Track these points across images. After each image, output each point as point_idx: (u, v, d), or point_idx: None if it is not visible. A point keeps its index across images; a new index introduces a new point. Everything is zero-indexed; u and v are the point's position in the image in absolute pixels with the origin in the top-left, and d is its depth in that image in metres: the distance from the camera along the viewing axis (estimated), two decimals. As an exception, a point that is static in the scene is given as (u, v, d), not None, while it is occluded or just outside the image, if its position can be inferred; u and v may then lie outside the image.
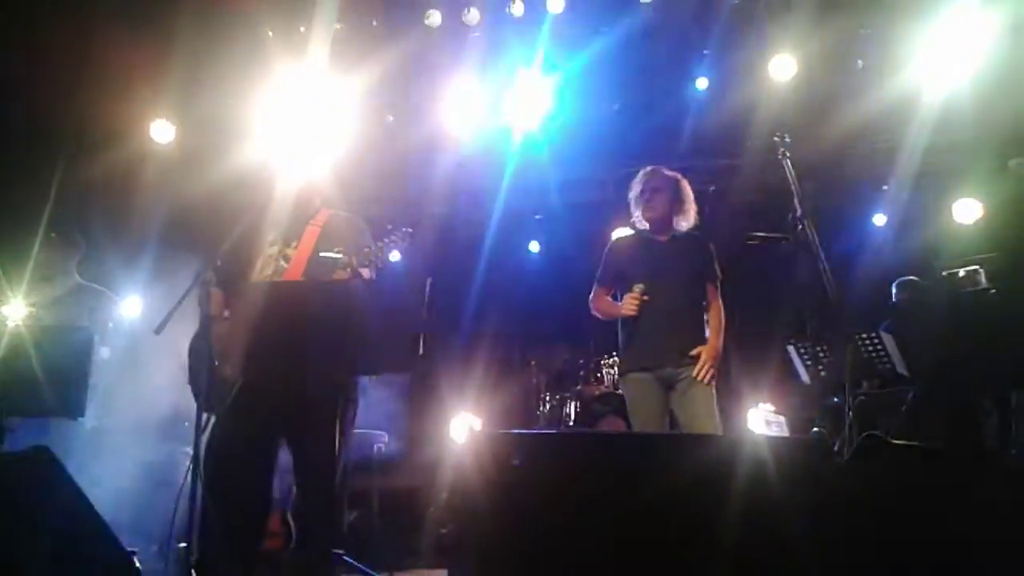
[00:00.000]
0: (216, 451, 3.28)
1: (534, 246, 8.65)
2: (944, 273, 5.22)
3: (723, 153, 7.17)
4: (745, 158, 6.73)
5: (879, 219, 7.33)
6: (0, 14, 5.97)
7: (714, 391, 4.05)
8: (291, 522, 4.87)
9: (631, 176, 4.49)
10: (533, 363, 7.42)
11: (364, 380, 3.65)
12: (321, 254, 3.52)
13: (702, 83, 6.73)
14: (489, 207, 8.24)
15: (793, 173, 4.05)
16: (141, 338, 5.14)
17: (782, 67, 6.15)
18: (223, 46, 6.45)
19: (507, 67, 6.57)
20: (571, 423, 6.70)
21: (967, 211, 6.41)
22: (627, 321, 4.19)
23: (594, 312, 4.41)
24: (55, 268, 4.93)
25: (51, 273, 4.89)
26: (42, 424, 4.03)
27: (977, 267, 5.03)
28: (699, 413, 3.98)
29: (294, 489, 4.56)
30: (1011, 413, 4.28)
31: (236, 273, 3.44)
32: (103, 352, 4.87)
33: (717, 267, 4.31)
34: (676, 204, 4.31)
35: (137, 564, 3.24)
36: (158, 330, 3.17)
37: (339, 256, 3.46)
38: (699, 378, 4.00)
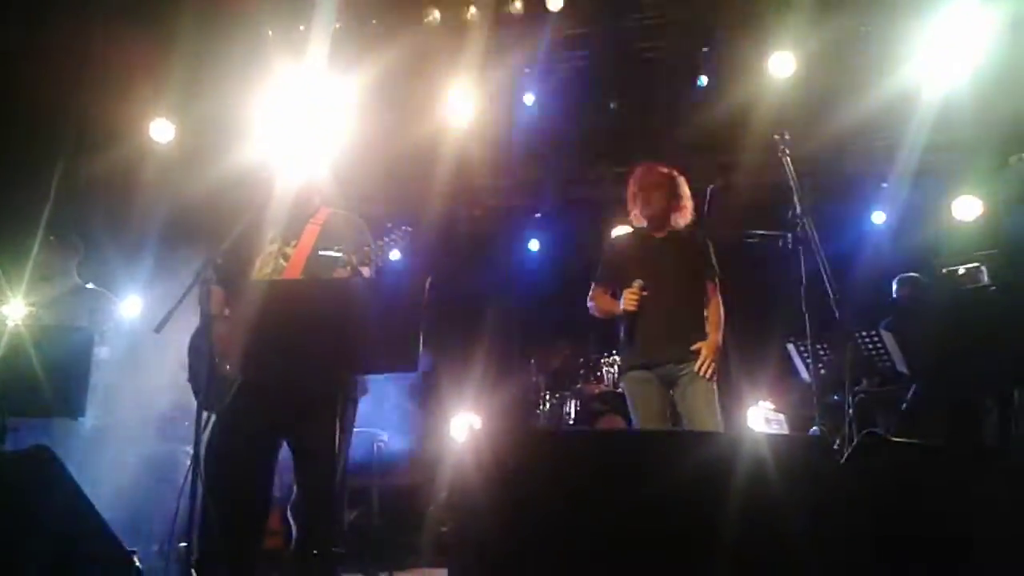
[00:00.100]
0: (216, 450, 3.28)
1: (534, 244, 8.65)
2: (944, 270, 5.21)
3: (722, 150, 7.17)
4: (745, 155, 6.73)
5: (878, 216, 7.33)
6: (0, 13, 5.97)
7: (715, 386, 4.05)
8: (291, 521, 4.87)
9: (629, 173, 4.50)
10: (533, 362, 7.43)
11: (364, 379, 3.65)
12: (320, 253, 3.51)
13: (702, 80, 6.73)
14: (489, 205, 8.26)
15: (793, 170, 4.05)
16: (141, 337, 5.14)
17: (782, 64, 6.15)
18: (223, 45, 6.46)
19: (506, 65, 6.57)
20: (571, 422, 6.70)
21: (967, 208, 6.41)
22: (626, 319, 4.19)
23: (592, 311, 4.40)
24: (54, 269, 4.93)
25: (50, 274, 4.89)
26: (43, 424, 4.03)
27: (978, 264, 5.03)
28: (700, 407, 3.98)
29: (294, 488, 4.57)
30: (1011, 411, 4.28)
31: (236, 271, 3.44)
32: (102, 352, 4.87)
33: (715, 263, 4.31)
34: (673, 201, 4.32)
35: (137, 563, 3.24)
36: (158, 329, 3.17)
37: (339, 255, 3.46)
38: (700, 373, 4.01)
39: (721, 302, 4.25)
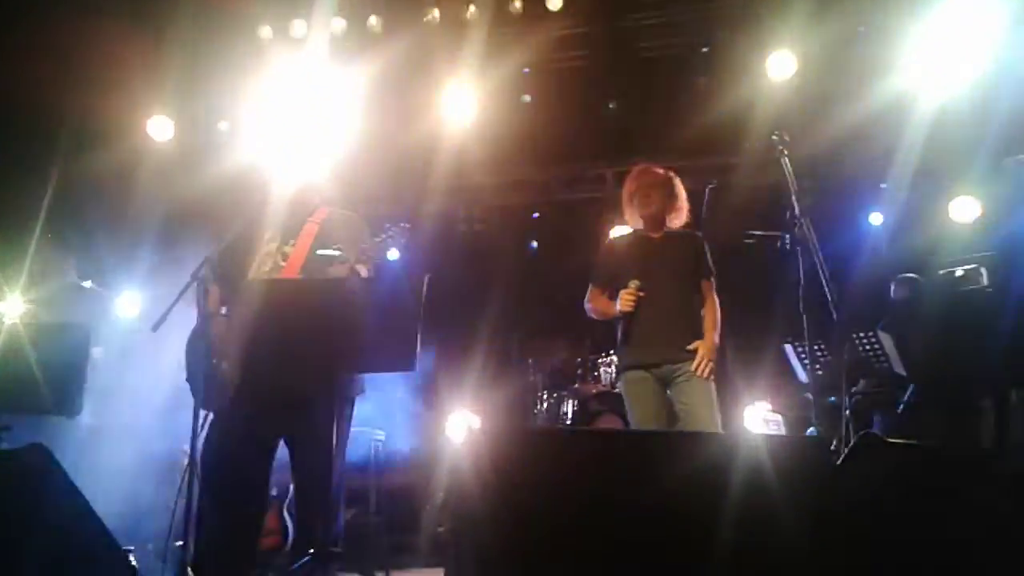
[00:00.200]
0: (213, 448, 3.28)
1: (532, 243, 8.65)
2: (941, 272, 5.21)
3: (721, 150, 7.17)
4: (743, 156, 6.73)
5: (876, 217, 7.33)
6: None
7: (713, 386, 4.05)
8: (288, 520, 4.87)
9: (627, 173, 4.51)
10: (531, 362, 7.43)
11: (361, 378, 3.65)
12: (319, 251, 3.51)
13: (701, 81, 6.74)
14: (487, 204, 8.26)
15: (791, 171, 4.05)
16: (138, 335, 5.14)
17: (781, 64, 6.15)
18: (221, 42, 6.46)
19: (506, 64, 6.57)
20: (568, 421, 6.70)
21: (965, 210, 6.42)
22: (623, 319, 4.19)
23: (589, 313, 4.40)
24: (50, 268, 4.93)
25: (47, 273, 4.89)
26: (38, 422, 4.02)
27: (978, 265, 5.03)
28: (698, 406, 3.98)
29: (291, 487, 4.56)
30: (1008, 412, 4.28)
31: (234, 270, 3.44)
32: (95, 352, 4.86)
33: (711, 263, 4.32)
34: (671, 201, 4.33)
35: (133, 562, 3.24)
36: (155, 327, 3.17)
37: (337, 253, 3.46)
38: (697, 372, 4.01)
39: (717, 302, 4.25)
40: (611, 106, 7.00)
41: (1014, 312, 3.97)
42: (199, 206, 6.11)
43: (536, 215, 8.62)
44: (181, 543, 3.06)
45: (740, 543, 2.21)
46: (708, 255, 4.33)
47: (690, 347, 4.07)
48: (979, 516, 2.34)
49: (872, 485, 2.41)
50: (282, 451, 3.53)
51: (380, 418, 5.80)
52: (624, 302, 4.09)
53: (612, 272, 4.32)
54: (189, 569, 3.01)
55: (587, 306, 4.40)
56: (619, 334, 4.29)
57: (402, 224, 3.44)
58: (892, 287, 5.93)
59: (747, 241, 4.66)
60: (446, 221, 8.18)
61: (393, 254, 3.65)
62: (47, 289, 4.88)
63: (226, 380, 3.27)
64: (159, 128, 6.73)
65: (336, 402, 3.26)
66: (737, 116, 6.45)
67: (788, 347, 4.96)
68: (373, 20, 6.43)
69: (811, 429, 4.10)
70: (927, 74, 5.87)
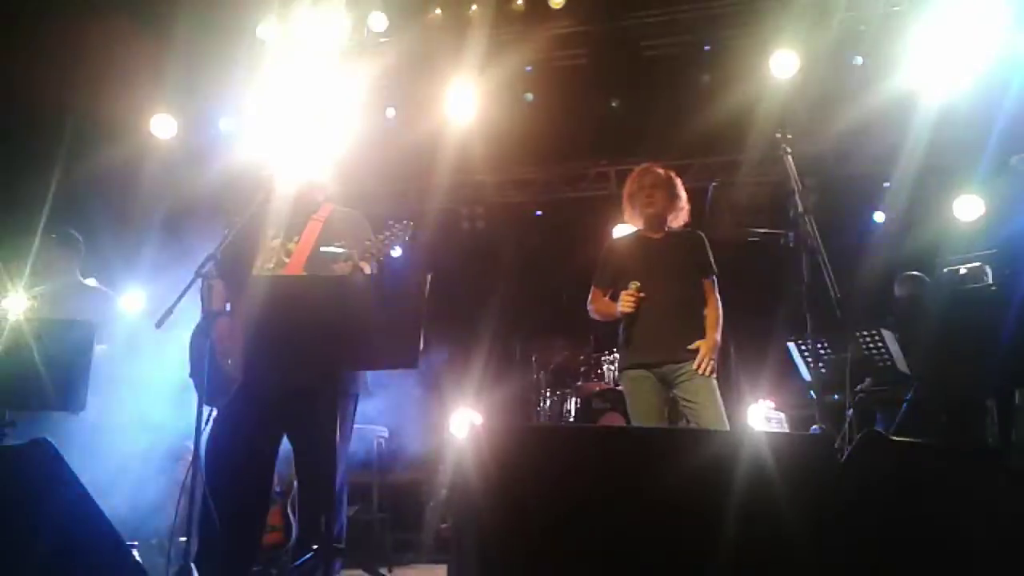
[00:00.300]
0: (217, 445, 3.28)
1: (536, 241, 8.65)
2: (945, 270, 5.21)
3: (724, 148, 7.17)
4: (746, 154, 6.73)
5: (880, 215, 7.32)
6: (1, 8, 5.96)
7: (715, 382, 4.06)
8: (291, 516, 4.88)
9: (630, 171, 4.52)
10: (534, 359, 7.43)
11: (365, 375, 3.66)
12: (322, 249, 3.52)
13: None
14: (490, 202, 8.26)
15: (794, 169, 4.05)
16: (142, 332, 5.14)
17: (784, 63, 6.14)
18: (224, 41, 6.46)
19: (508, 62, 6.57)
20: (571, 419, 6.70)
21: (968, 208, 6.41)
22: (625, 319, 4.20)
23: (592, 314, 4.42)
24: (54, 267, 4.93)
25: (50, 272, 4.89)
26: (42, 418, 4.02)
27: (981, 263, 5.02)
28: (704, 402, 3.98)
29: (294, 483, 4.57)
30: (1012, 410, 4.28)
31: (237, 267, 3.44)
32: (98, 349, 4.87)
33: (712, 261, 4.32)
34: (671, 201, 4.34)
35: (137, 558, 3.24)
36: (159, 324, 3.18)
37: (340, 251, 3.46)
38: (699, 371, 4.02)
39: (719, 301, 4.26)
40: (614, 104, 7.00)
41: (1018, 310, 3.97)
42: (202, 203, 6.12)
43: (539, 213, 8.62)
44: (184, 539, 3.06)
45: (743, 540, 2.21)
46: (710, 254, 4.33)
47: (691, 346, 4.08)
48: (983, 514, 2.34)
49: (875, 483, 2.41)
50: (285, 447, 3.53)
51: (385, 415, 5.81)
52: (625, 304, 4.11)
53: (613, 273, 4.33)
54: (192, 565, 3.02)
55: (590, 308, 4.42)
56: (621, 333, 4.31)
57: (405, 222, 3.45)
58: (896, 285, 5.93)
59: (751, 239, 4.65)
60: (449, 219, 8.19)
61: (396, 252, 3.65)
62: (50, 286, 4.88)
63: (230, 377, 3.27)
64: (162, 126, 6.73)
65: (339, 399, 3.27)
66: (740, 115, 6.45)
67: (792, 345, 4.95)
68: (376, 18, 6.42)
69: (815, 427, 4.09)
70: (931, 72, 5.86)
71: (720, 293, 4.29)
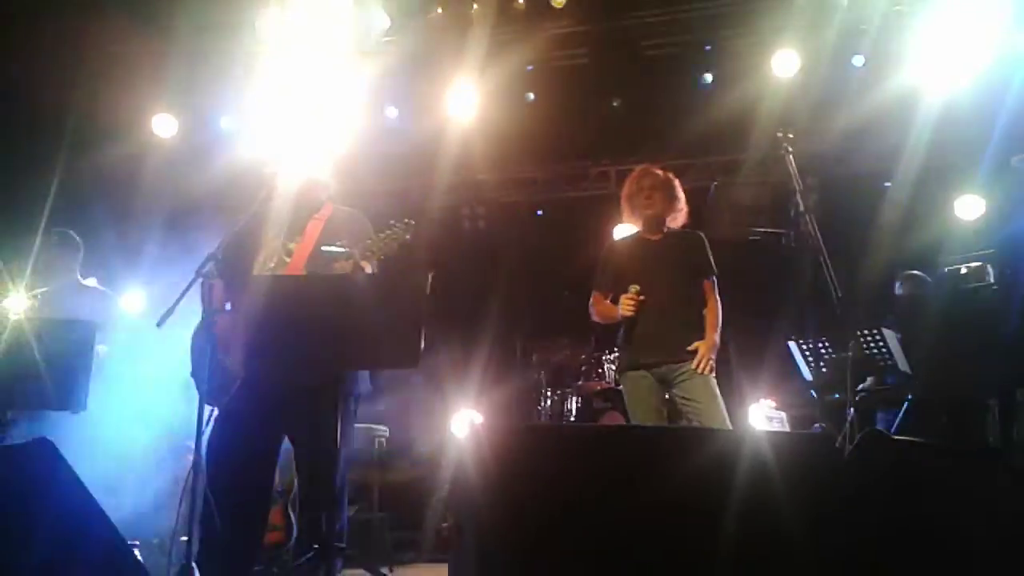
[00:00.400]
0: (218, 444, 3.29)
1: (537, 240, 8.64)
2: (946, 269, 5.20)
3: (725, 148, 7.17)
4: (747, 153, 6.73)
5: (882, 215, 7.31)
6: (1, 8, 5.96)
7: (714, 380, 4.07)
8: (292, 516, 4.88)
9: (630, 171, 4.53)
10: (534, 358, 7.43)
11: (366, 374, 3.66)
12: (324, 248, 3.52)
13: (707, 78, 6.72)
14: (491, 201, 8.26)
15: (795, 169, 4.05)
16: (143, 332, 5.14)
17: (785, 62, 6.14)
18: (225, 40, 6.45)
19: (509, 62, 6.57)
20: (572, 418, 6.70)
21: (969, 207, 6.41)
22: (625, 320, 4.21)
23: (594, 317, 4.44)
24: (55, 268, 4.93)
25: (51, 273, 4.89)
26: (44, 417, 4.02)
27: (983, 262, 5.01)
28: (704, 400, 4.00)
29: (295, 483, 4.57)
30: (1013, 409, 4.27)
31: (238, 266, 3.45)
32: (100, 349, 4.87)
33: (712, 261, 4.33)
34: (670, 203, 4.35)
35: (138, 557, 3.24)
36: (160, 323, 3.18)
37: (342, 250, 3.46)
38: (697, 369, 4.03)
39: (719, 301, 4.27)
40: (615, 104, 6.99)
41: (1019, 309, 3.97)
42: (204, 203, 6.12)
43: (540, 212, 8.62)
44: (186, 538, 3.07)
45: (743, 539, 2.21)
46: (710, 254, 4.34)
47: (690, 347, 4.09)
48: (983, 513, 2.34)
49: (876, 482, 2.41)
50: (286, 447, 3.53)
51: (386, 415, 5.81)
52: (625, 307, 4.13)
53: (613, 276, 4.35)
54: (194, 564, 3.02)
55: (591, 311, 4.44)
56: (620, 334, 4.33)
57: (406, 221, 3.45)
58: (897, 284, 5.93)
59: (751, 239, 4.66)
60: (450, 218, 8.19)
61: (397, 251, 3.65)
62: (51, 287, 4.88)
63: (231, 376, 3.27)
64: (163, 125, 6.73)
65: (340, 398, 3.27)
66: (741, 114, 6.45)
67: (793, 344, 4.94)
68: (377, 17, 6.42)
69: (817, 426, 4.09)
70: (932, 72, 5.85)
71: (721, 293, 4.30)
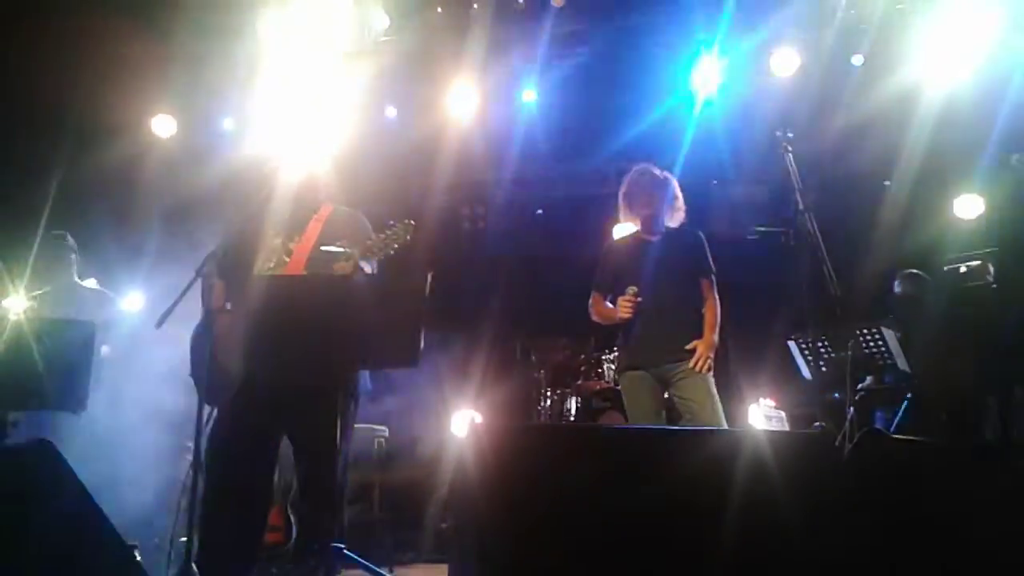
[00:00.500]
0: (218, 444, 3.29)
1: (537, 240, 8.64)
2: (945, 268, 5.21)
3: (725, 146, 7.16)
4: (746, 152, 6.72)
5: (881, 214, 7.31)
6: (2, 8, 5.96)
7: (711, 379, 4.08)
8: (292, 516, 4.88)
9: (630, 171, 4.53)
10: (534, 358, 7.43)
11: (365, 374, 3.66)
12: (323, 248, 3.52)
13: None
14: (491, 200, 8.25)
15: (795, 168, 4.05)
16: (143, 332, 5.14)
17: (784, 62, 6.14)
18: (225, 40, 6.45)
19: (509, 60, 6.56)
20: (571, 418, 6.70)
21: (968, 206, 6.41)
22: (623, 321, 4.22)
23: (594, 318, 4.46)
24: (51, 270, 4.94)
25: (49, 275, 4.90)
26: (44, 418, 4.03)
27: (982, 261, 5.02)
28: (700, 399, 4.02)
29: (295, 482, 4.57)
30: (1012, 407, 4.28)
31: (238, 266, 3.45)
32: (102, 351, 4.87)
33: (711, 260, 4.33)
34: (668, 202, 4.36)
35: (138, 557, 3.25)
36: (159, 323, 3.18)
37: (341, 250, 3.46)
38: (695, 368, 4.04)
39: (718, 300, 4.27)
40: (615, 103, 6.99)
41: (1018, 309, 3.97)
42: (203, 203, 6.11)
43: (540, 212, 8.61)
44: (185, 539, 3.07)
45: (743, 538, 2.21)
46: (708, 253, 4.34)
47: (688, 347, 4.10)
48: (983, 512, 2.34)
49: (876, 480, 2.41)
50: (286, 446, 3.53)
51: (386, 415, 5.81)
52: (623, 309, 4.15)
53: (612, 277, 4.36)
54: (193, 565, 3.02)
55: (591, 312, 4.47)
56: (619, 334, 4.34)
57: (406, 221, 3.45)
58: (896, 283, 5.93)
59: (750, 238, 4.66)
60: (449, 218, 8.18)
61: (397, 251, 3.65)
62: (50, 288, 4.88)
63: (230, 376, 3.27)
64: (163, 126, 6.73)
65: (340, 398, 3.27)
66: (741, 113, 6.45)
67: (792, 343, 4.95)
68: (377, 17, 6.42)
69: (817, 424, 4.10)
70: (932, 71, 5.86)
71: (720, 292, 4.30)
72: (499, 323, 7.73)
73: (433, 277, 2.99)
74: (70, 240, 5.12)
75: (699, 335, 4.14)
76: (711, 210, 7.13)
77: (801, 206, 4.00)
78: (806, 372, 4.94)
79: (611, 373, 6.69)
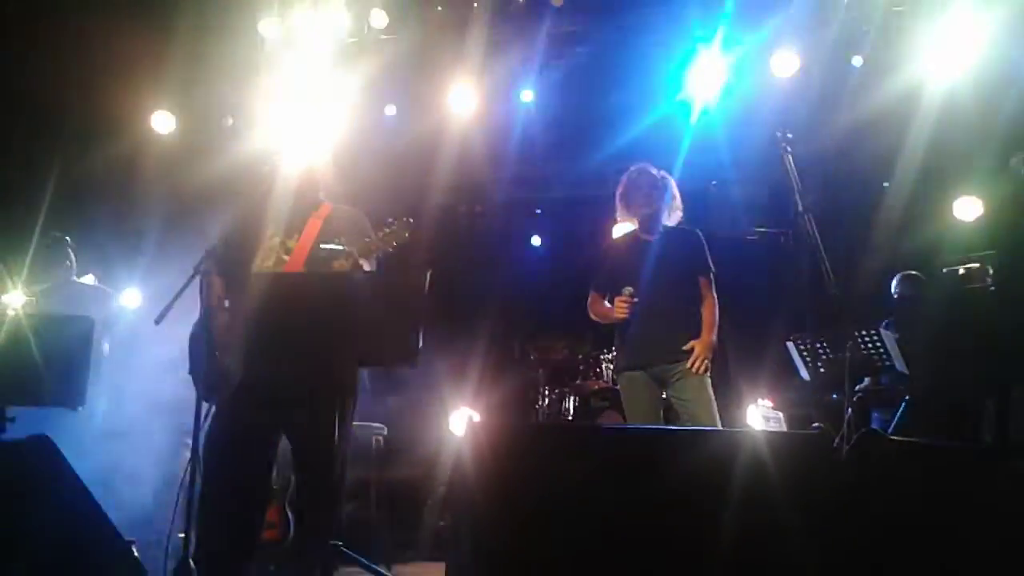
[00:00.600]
0: (215, 441, 3.28)
1: (535, 240, 8.65)
2: (944, 270, 5.21)
3: (724, 147, 7.16)
4: (746, 152, 6.73)
5: (880, 215, 7.32)
6: (1, 5, 5.96)
7: (708, 380, 4.08)
8: (289, 513, 4.87)
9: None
10: (532, 357, 7.43)
11: (363, 372, 3.65)
12: (322, 246, 3.52)
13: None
14: (490, 199, 8.26)
15: (794, 168, 4.05)
16: (141, 328, 5.15)
17: (784, 62, 6.14)
18: (225, 38, 6.45)
19: (509, 59, 6.57)
20: (570, 417, 6.70)
21: (967, 208, 6.41)
22: (621, 321, 4.22)
23: (592, 317, 4.47)
24: (49, 271, 4.94)
25: (47, 276, 4.91)
26: (42, 414, 4.02)
27: (981, 263, 5.02)
28: (694, 401, 4.02)
29: (293, 480, 4.57)
30: (1010, 410, 4.28)
31: (237, 263, 3.44)
32: (104, 347, 4.88)
33: (709, 259, 4.33)
34: (666, 202, 4.36)
35: (135, 553, 3.24)
36: (158, 320, 3.18)
37: (340, 248, 3.46)
38: (692, 369, 4.04)
39: (716, 299, 4.27)
40: (614, 102, 6.99)
41: (1017, 311, 3.97)
42: (202, 200, 6.10)
43: (539, 211, 8.62)
44: (183, 535, 3.07)
45: (740, 538, 2.21)
46: (707, 252, 4.34)
47: (686, 347, 4.10)
48: (980, 513, 2.35)
49: (873, 481, 2.41)
50: (284, 444, 3.53)
51: (384, 413, 5.80)
52: (619, 309, 4.15)
53: (609, 277, 4.37)
54: (191, 561, 3.02)
55: (590, 311, 4.47)
56: (617, 334, 4.35)
57: (405, 219, 3.45)
58: (894, 284, 5.93)
59: (750, 238, 4.66)
60: (449, 216, 8.18)
61: (396, 249, 3.65)
62: (49, 285, 4.88)
63: (228, 373, 3.27)
64: (163, 123, 6.73)
65: (338, 396, 3.27)
66: (741, 113, 6.45)
67: (791, 344, 4.95)
68: (376, 15, 6.42)
69: (815, 425, 4.10)
70: (931, 73, 5.86)
71: (719, 292, 4.30)
72: (498, 322, 7.73)
73: (432, 275, 2.99)
74: (67, 242, 5.13)
75: (697, 335, 4.14)
76: (710, 211, 7.15)
77: (800, 207, 4.00)
78: (804, 373, 4.94)
79: (609, 373, 6.69)
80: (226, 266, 3.40)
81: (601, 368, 6.82)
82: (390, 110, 7.06)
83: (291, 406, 3.33)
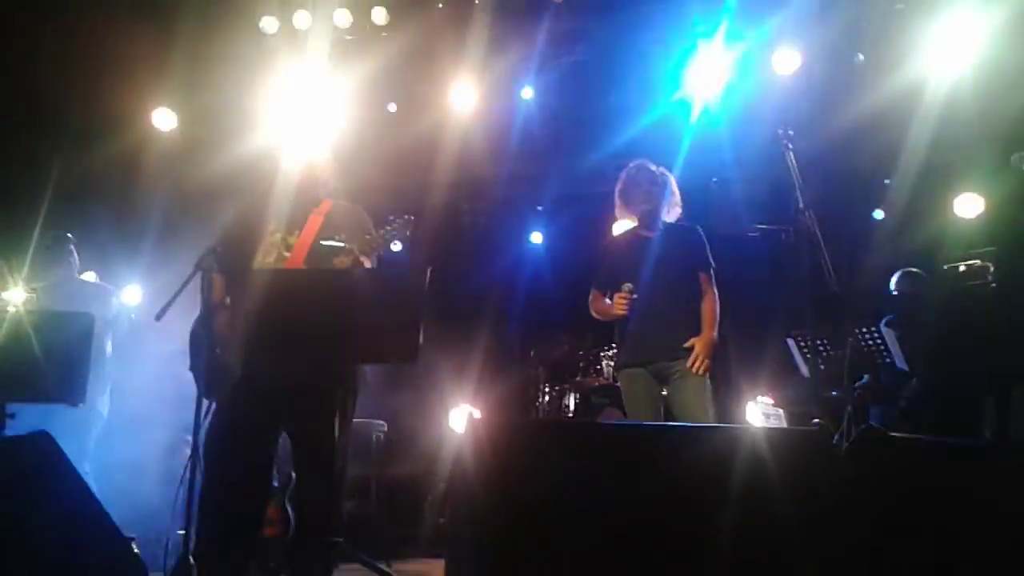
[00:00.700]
0: (216, 438, 3.29)
1: (536, 237, 8.64)
2: (945, 267, 5.21)
3: (725, 144, 7.16)
4: (747, 150, 6.72)
5: (880, 213, 7.32)
6: (2, 3, 5.96)
7: (707, 382, 4.07)
8: (290, 510, 4.88)
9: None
10: (533, 354, 7.43)
11: (364, 369, 3.66)
12: (323, 243, 3.52)
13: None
14: (491, 197, 8.26)
15: (795, 165, 4.05)
16: (142, 325, 5.15)
17: (785, 60, 6.14)
18: (225, 35, 6.44)
19: (509, 57, 6.56)
20: (570, 414, 6.71)
21: (968, 206, 6.40)
22: (621, 317, 4.22)
23: (593, 314, 4.47)
24: (50, 270, 4.95)
25: (47, 274, 4.91)
26: (42, 410, 4.03)
27: (981, 260, 5.02)
28: (690, 402, 4.01)
29: (293, 477, 4.58)
30: (1010, 407, 4.28)
31: (237, 260, 3.45)
32: (107, 345, 4.89)
33: (709, 255, 4.32)
34: (665, 198, 4.36)
35: (135, 550, 3.25)
36: (159, 317, 3.18)
37: (341, 245, 3.47)
38: (692, 369, 4.03)
39: (716, 296, 4.27)
40: (615, 99, 6.99)
41: (1017, 308, 3.97)
42: (203, 197, 6.11)
43: (540, 208, 8.62)
44: (183, 532, 3.07)
45: (740, 535, 2.22)
46: (707, 248, 4.34)
47: (686, 344, 4.09)
48: (979, 510, 2.35)
49: (873, 478, 2.42)
50: (284, 440, 3.53)
51: (384, 410, 5.81)
52: (618, 306, 4.15)
53: (609, 274, 4.36)
54: (191, 558, 3.02)
55: (591, 308, 4.47)
56: (617, 331, 4.34)
57: (406, 216, 3.45)
58: (895, 281, 5.93)
59: (751, 235, 4.66)
60: (449, 213, 8.18)
61: (396, 246, 3.66)
62: (50, 282, 4.89)
63: (229, 369, 3.27)
64: (164, 120, 6.73)
65: (339, 393, 3.28)
66: (741, 111, 6.44)
67: (791, 341, 4.95)
68: (377, 12, 6.41)
69: (815, 421, 4.10)
70: (933, 70, 5.85)
71: (719, 289, 4.30)
72: (498, 319, 7.74)
73: (432, 272, 2.99)
74: (69, 240, 5.13)
75: (698, 332, 4.14)
76: (711, 207, 7.14)
77: (801, 204, 4.01)
78: (804, 370, 4.94)
79: (610, 370, 6.69)
80: (227, 262, 3.40)
81: (601, 365, 6.83)
82: (391, 107, 7.06)
83: (291, 402, 3.33)
